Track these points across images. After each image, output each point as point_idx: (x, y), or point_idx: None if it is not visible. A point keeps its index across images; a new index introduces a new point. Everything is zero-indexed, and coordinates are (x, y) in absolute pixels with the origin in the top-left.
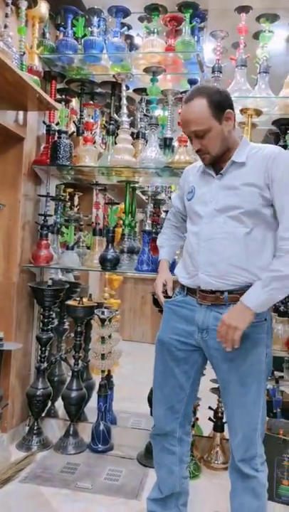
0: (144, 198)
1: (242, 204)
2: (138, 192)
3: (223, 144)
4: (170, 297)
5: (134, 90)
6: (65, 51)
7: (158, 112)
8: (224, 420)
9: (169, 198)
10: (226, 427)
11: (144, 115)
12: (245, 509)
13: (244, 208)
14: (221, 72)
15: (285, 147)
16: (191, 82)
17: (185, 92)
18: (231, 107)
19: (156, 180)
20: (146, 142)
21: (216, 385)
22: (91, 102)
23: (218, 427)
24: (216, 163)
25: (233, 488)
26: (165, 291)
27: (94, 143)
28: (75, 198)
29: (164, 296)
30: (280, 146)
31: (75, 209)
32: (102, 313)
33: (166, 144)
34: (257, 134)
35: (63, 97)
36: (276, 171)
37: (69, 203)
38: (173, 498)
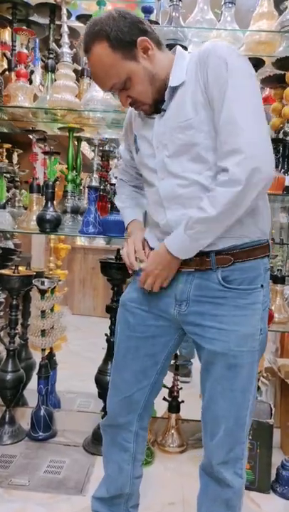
0: (90, 148)
1: (197, 137)
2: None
3: (154, 81)
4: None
5: (78, 18)
6: None
7: None
8: (180, 400)
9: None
10: (182, 407)
11: None
12: None
13: (202, 141)
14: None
15: None
16: (146, 10)
17: None
18: (142, 31)
19: (105, 131)
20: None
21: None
22: (24, 27)
23: (174, 407)
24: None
25: (203, 493)
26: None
27: (31, 83)
28: (14, 155)
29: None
30: None
31: (16, 168)
32: (42, 283)
33: None
34: None
35: None
36: (211, 69)
37: (6, 161)
38: (122, 498)
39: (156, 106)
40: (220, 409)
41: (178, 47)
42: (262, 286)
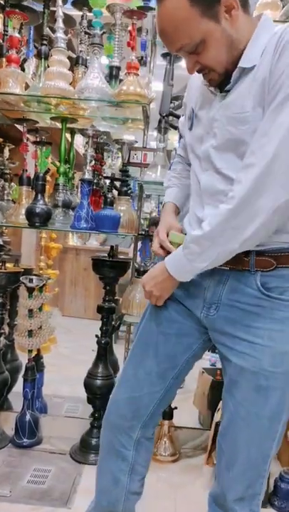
0: (83, 141)
1: (250, 134)
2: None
3: (232, 49)
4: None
5: (74, 4)
6: None
7: (103, 31)
8: (173, 406)
9: (116, 142)
10: (175, 413)
11: (86, 33)
12: None
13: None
14: None
15: None
16: None
17: (139, 7)
18: None
19: (99, 123)
20: (88, 69)
21: None
22: (16, 11)
23: (166, 413)
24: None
25: None
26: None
27: (23, 70)
28: (5, 149)
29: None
30: None
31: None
32: (30, 281)
33: (112, 75)
34: None
35: None
36: (277, 65)
37: None
38: None
39: (226, 75)
40: (241, 437)
41: (265, 14)
42: None
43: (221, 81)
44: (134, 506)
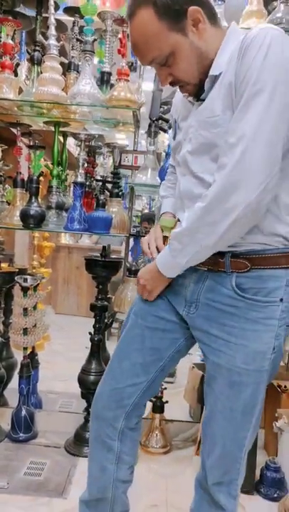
0: (76, 143)
1: (221, 137)
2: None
3: (202, 62)
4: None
5: (66, 10)
6: None
7: (94, 38)
8: (164, 400)
9: (106, 145)
10: (166, 407)
11: (77, 40)
12: None
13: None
14: None
15: None
16: None
17: None
18: (196, 0)
19: (91, 127)
20: (80, 75)
21: None
22: (10, 18)
23: (158, 407)
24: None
25: (197, 506)
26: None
27: (16, 75)
28: None
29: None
30: None
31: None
32: (25, 280)
33: (103, 80)
34: None
35: None
36: (242, 63)
37: None
38: (106, 503)
39: (200, 85)
40: (217, 428)
41: (233, 23)
42: (281, 300)
43: (197, 91)
44: (125, 493)
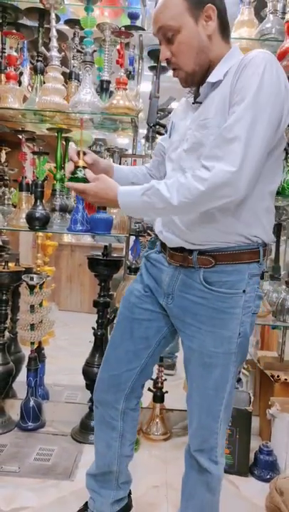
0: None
1: (207, 138)
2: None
3: (200, 55)
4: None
5: (66, 22)
6: None
7: (94, 49)
8: (164, 390)
9: (107, 150)
10: (166, 397)
11: (78, 51)
12: (197, 500)
13: (208, 143)
14: None
15: None
16: (132, 16)
17: (126, 26)
18: (215, 2)
19: (91, 132)
20: (80, 84)
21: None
22: (14, 31)
23: (158, 397)
24: (201, 86)
25: (186, 475)
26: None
27: (20, 84)
28: (2, 153)
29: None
30: None
31: (5, 167)
32: (31, 279)
33: (103, 88)
34: None
35: None
36: (240, 79)
37: None
38: (111, 475)
39: (192, 80)
40: (194, 404)
41: (236, 46)
42: (244, 291)
43: (188, 81)
44: (127, 466)
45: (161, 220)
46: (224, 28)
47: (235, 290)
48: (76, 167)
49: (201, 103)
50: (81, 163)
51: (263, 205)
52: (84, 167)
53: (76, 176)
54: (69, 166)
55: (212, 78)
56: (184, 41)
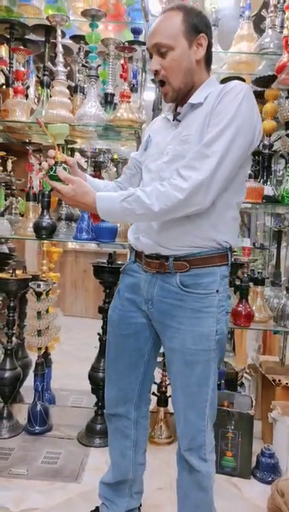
0: (83, 160)
1: (188, 151)
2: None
3: (187, 75)
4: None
5: (72, 38)
6: None
7: (98, 64)
8: (168, 394)
9: (111, 160)
10: (170, 401)
11: (83, 66)
12: (191, 500)
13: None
14: None
15: None
16: (135, 31)
17: (129, 41)
18: (207, 34)
19: (96, 142)
20: (86, 97)
21: (159, 359)
22: (21, 47)
23: (162, 401)
24: (180, 106)
25: (179, 476)
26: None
27: (27, 97)
28: (8, 162)
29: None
30: None
31: (12, 178)
32: (38, 286)
33: (107, 101)
34: None
35: None
36: (220, 103)
37: (1, 168)
38: (126, 484)
39: (176, 97)
40: (179, 402)
41: (213, 76)
42: (217, 291)
43: (172, 96)
44: (142, 476)
45: (137, 227)
46: (208, 59)
47: (210, 290)
48: (55, 162)
49: (180, 121)
50: (59, 157)
51: (232, 214)
52: (62, 162)
53: (54, 173)
54: (48, 162)
55: (194, 100)
56: (176, 58)
